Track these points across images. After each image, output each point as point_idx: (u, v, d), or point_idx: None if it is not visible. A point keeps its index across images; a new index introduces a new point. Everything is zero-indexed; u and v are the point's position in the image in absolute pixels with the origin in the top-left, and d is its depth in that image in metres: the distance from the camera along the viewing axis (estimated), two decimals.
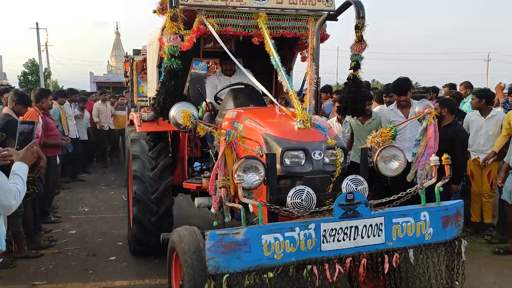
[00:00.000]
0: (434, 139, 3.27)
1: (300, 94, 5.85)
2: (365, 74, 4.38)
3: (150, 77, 5.68)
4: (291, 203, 2.80)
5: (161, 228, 4.88)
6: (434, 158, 2.91)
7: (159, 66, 5.04)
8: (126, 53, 11.08)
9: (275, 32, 4.41)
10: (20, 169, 2.55)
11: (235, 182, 2.66)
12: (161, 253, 4.80)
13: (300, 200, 2.80)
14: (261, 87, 3.96)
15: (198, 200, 4.82)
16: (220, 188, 2.70)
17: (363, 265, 2.69)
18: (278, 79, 3.81)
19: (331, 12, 4.47)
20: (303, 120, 3.21)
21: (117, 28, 46.38)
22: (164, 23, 4.67)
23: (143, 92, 9.37)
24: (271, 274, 2.53)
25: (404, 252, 2.80)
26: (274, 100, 3.83)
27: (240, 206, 2.61)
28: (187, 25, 4.18)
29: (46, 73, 38.66)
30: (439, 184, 2.91)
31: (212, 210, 2.99)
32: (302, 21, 4.54)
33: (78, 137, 9.68)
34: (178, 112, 3.02)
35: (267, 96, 5.53)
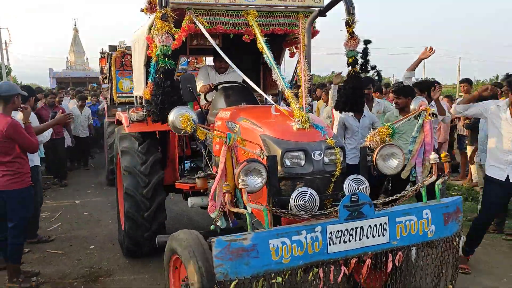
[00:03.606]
0: (430, 136, 3.30)
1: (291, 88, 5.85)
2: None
3: (137, 76, 5.57)
4: (295, 205, 2.79)
5: (154, 223, 4.82)
6: (433, 156, 2.94)
7: (147, 65, 4.96)
8: (102, 49, 10.84)
9: (265, 29, 4.38)
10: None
11: (239, 187, 2.63)
12: (153, 252, 4.93)
13: (303, 202, 2.80)
14: (255, 87, 3.92)
15: (191, 200, 4.77)
16: (224, 193, 2.66)
17: (367, 265, 2.71)
18: (273, 77, 3.77)
19: (320, 9, 4.47)
20: (301, 120, 3.19)
21: (75, 25, 45.76)
22: (151, 22, 4.58)
23: (122, 88, 9.21)
24: (279, 279, 2.52)
25: (407, 250, 2.83)
26: (270, 100, 3.80)
27: (245, 211, 2.58)
28: (176, 23, 4.11)
29: (7, 70, 38.73)
30: (439, 181, 2.94)
31: (213, 215, 2.94)
32: (292, 17, 4.52)
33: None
34: (177, 116, 2.96)
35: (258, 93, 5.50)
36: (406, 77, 5.63)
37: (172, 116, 3.01)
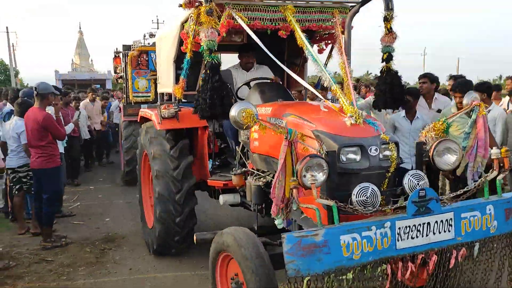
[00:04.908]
0: (484, 131, 3.27)
1: (318, 86, 5.82)
2: None
3: (163, 73, 5.50)
4: (356, 201, 2.75)
5: (185, 228, 4.81)
6: (495, 151, 2.90)
7: (176, 61, 4.90)
8: (116, 48, 10.78)
9: (301, 24, 4.33)
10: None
11: (308, 182, 2.59)
12: (181, 251, 5.14)
13: (365, 198, 2.76)
14: (303, 83, 3.87)
15: (223, 198, 4.72)
16: (291, 189, 2.61)
17: (433, 261, 2.68)
18: (319, 74, 3.73)
19: (358, 4, 4.43)
20: (355, 116, 3.15)
21: (80, 28, 46.38)
22: (184, 18, 4.54)
23: (138, 88, 9.15)
24: (350, 275, 2.48)
25: (471, 246, 2.80)
26: (319, 95, 3.75)
27: (315, 207, 2.54)
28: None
29: (14, 72, 39.35)
30: (500, 176, 2.91)
31: (277, 218, 2.90)
32: (327, 13, 4.47)
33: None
34: (240, 111, 2.91)
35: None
36: None
37: (234, 111, 2.95)
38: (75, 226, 6.60)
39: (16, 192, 6.12)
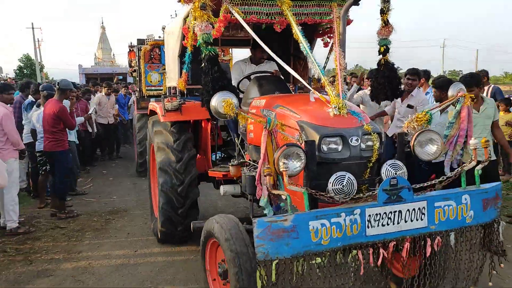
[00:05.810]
0: (467, 122, 3.27)
1: (320, 80, 5.86)
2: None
3: (170, 67, 5.66)
4: (333, 189, 2.82)
5: (187, 219, 4.96)
6: (473, 141, 2.92)
7: (181, 55, 5.05)
8: (131, 42, 11.03)
9: (298, 18, 4.38)
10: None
11: (280, 170, 2.68)
12: (187, 239, 5.28)
13: (341, 186, 2.83)
14: (296, 75, 3.94)
15: (223, 188, 4.84)
16: (265, 176, 2.72)
17: (406, 249, 2.73)
18: (309, 66, 3.80)
19: None
20: (338, 107, 3.22)
21: (102, 23, 48.15)
22: (186, 13, 4.67)
23: (151, 81, 9.35)
24: (319, 260, 2.56)
25: (446, 235, 2.83)
26: (309, 87, 3.82)
27: (286, 193, 2.63)
28: (214, 13, 4.16)
29: (40, 66, 40.99)
30: (479, 167, 2.92)
31: (262, 202, 3.00)
32: (325, 7, 4.50)
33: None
34: (219, 101, 3.02)
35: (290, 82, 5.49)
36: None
37: (214, 101, 3.06)
38: (87, 202, 7.74)
39: (42, 172, 7.14)
